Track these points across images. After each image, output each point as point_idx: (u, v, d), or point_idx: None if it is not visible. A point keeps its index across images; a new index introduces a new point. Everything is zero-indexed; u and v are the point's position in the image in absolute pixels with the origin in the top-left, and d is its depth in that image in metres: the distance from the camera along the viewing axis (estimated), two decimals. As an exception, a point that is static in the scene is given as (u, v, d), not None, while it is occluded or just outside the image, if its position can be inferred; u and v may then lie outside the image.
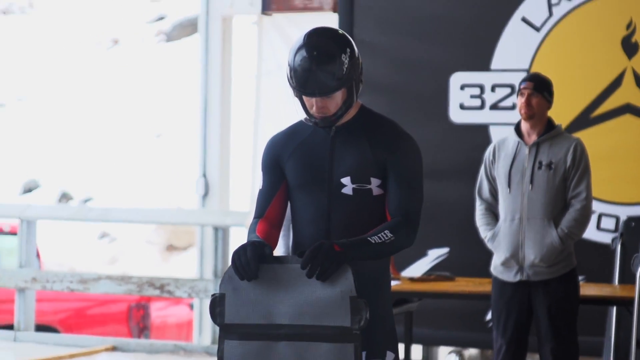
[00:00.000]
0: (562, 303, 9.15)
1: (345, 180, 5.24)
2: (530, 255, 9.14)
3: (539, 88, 9.28)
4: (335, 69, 5.16)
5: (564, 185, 9.16)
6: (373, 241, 5.11)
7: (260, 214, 5.49)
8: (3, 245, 16.64)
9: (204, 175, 14.33)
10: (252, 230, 5.41)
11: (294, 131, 5.39)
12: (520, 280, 9.21)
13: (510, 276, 9.25)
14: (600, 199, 11.45)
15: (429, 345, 12.67)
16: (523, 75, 11.65)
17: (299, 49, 5.23)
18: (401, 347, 11.00)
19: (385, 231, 5.16)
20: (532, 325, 9.28)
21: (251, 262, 5.10)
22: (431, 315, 11.41)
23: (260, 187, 5.50)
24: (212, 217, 14.06)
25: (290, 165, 5.33)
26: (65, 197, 31.88)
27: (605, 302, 10.22)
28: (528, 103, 9.18)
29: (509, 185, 9.28)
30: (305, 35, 5.27)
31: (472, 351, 12.76)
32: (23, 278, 14.42)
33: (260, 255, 5.13)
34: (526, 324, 9.26)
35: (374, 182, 5.25)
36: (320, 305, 5.04)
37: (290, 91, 10.44)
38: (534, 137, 9.26)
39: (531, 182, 9.22)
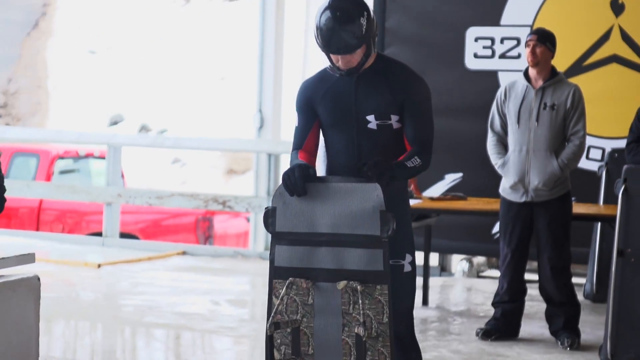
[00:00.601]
0: (559, 219, 9.32)
1: (370, 118, 5.44)
2: (535, 180, 9.28)
3: (542, 39, 9.37)
4: (355, 29, 5.33)
5: (564, 123, 9.27)
6: (408, 165, 5.40)
7: (298, 146, 5.73)
8: (94, 167, 16.78)
9: (260, 111, 14.39)
10: (294, 157, 5.66)
11: (322, 77, 5.55)
12: (525, 201, 9.35)
13: (517, 197, 9.38)
14: (589, 133, 11.50)
15: (444, 253, 12.82)
16: (527, 30, 11.75)
17: (323, 12, 5.41)
18: (421, 254, 11.15)
19: (415, 157, 5.40)
20: (532, 238, 9.44)
21: (299, 181, 5.33)
22: (446, 229, 11.54)
23: (297, 125, 5.74)
24: (266, 146, 14.18)
25: (322, 107, 5.54)
26: (144, 128, 31.94)
27: (591, 218, 10.39)
28: (533, 52, 9.28)
29: (518, 122, 9.39)
30: (329, 0, 5.42)
31: (479, 259, 12.88)
32: (110, 194, 14.60)
33: (306, 176, 5.34)
34: (528, 237, 9.40)
35: (394, 118, 5.46)
36: (355, 218, 5.27)
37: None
38: (540, 82, 9.37)
39: (537, 120, 9.34)
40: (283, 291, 5.34)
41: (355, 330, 5.19)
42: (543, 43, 9.36)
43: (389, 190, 5.32)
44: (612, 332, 8.26)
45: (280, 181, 13.01)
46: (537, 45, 9.33)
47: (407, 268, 5.58)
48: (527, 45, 9.41)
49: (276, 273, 5.44)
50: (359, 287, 5.21)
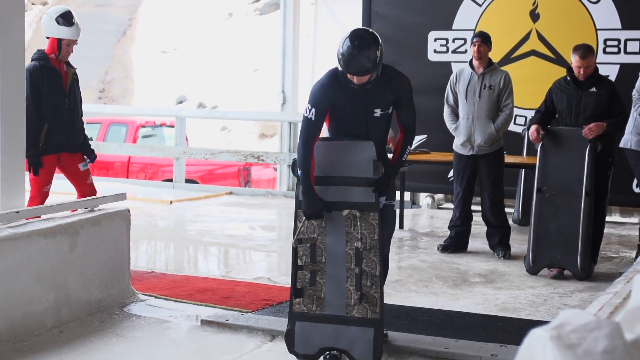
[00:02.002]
0: (495, 166, 9.35)
1: (377, 111, 5.54)
2: (478, 139, 9.26)
3: (484, 40, 9.40)
4: (370, 57, 5.29)
5: (498, 99, 9.27)
6: (404, 158, 5.75)
7: (311, 138, 5.53)
8: (166, 133, 16.76)
9: (283, 92, 14.31)
10: (307, 156, 5.48)
11: (338, 82, 5.44)
12: (471, 154, 9.34)
13: (465, 151, 9.37)
14: (516, 106, 11.45)
15: (414, 191, 12.78)
16: (471, 33, 11.64)
17: (345, 40, 5.36)
18: (398, 194, 11.16)
19: (407, 148, 5.77)
20: (476, 180, 9.43)
21: (319, 215, 5.48)
22: (415, 174, 11.47)
23: (312, 119, 5.52)
24: (287, 117, 14.10)
25: (338, 105, 5.50)
26: (201, 105, 31.90)
27: (518, 166, 10.36)
28: (478, 49, 9.32)
29: (466, 98, 9.40)
30: (351, 32, 5.42)
31: (439, 195, 12.85)
32: (178, 152, 14.55)
33: (321, 207, 5.47)
34: (473, 179, 9.39)
35: (390, 109, 5.60)
36: (356, 165, 5.45)
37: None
38: (481, 70, 9.37)
39: (479, 96, 9.35)
40: (304, 217, 5.46)
41: (355, 244, 5.33)
42: (484, 43, 9.43)
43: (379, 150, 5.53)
44: (533, 247, 8.33)
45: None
46: (481, 45, 9.39)
47: (390, 203, 5.76)
48: (473, 44, 9.49)
49: (299, 204, 5.51)
50: (357, 213, 5.37)
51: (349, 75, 5.37)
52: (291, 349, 5.46)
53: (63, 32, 8.00)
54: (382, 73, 5.51)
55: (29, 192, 8.06)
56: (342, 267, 5.41)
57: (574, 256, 8.10)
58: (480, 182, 9.46)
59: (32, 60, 7.93)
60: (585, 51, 8.25)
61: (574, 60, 8.30)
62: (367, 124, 5.60)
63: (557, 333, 2.06)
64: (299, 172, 5.51)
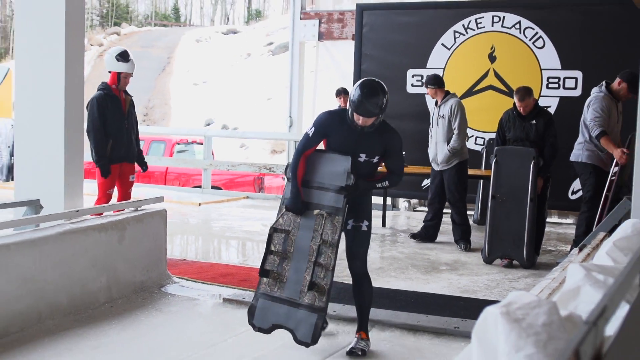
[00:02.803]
0: (454, 178, 9.37)
1: (362, 155, 5.25)
2: (439, 158, 9.35)
3: (427, 83, 9.66)
4: (378, 103, 5.09)
5: (450, 125, 9.30)
6: (377, 185, 5.34)
7: (305, 149, 5.37)
8: (196, 149, 16.74)
9: (290, 116, 14.34)
10: (296, 163, 5.37)
11: (342, 117, 5.26)
12: (438, 170, 9.39)
13: (435, 167, 9.44)
14: (476, 129, 11.48)
15: (394, 197, 12.77)
16: (442, 71, 11.72)
17: (357, 87, 5.17)
18: (381, 199, 11.21)
19: (385, 181, 5.35)
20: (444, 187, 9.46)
21: (298, 210, 5.36)
22: (395, 183, 11.54)
23: (311, 136, 5.36)
24: (293, 136, 14.09)
25: (334, 137, 5.30)
26: (224, 126, 31.88)
27: (477, 177, 10.34)
28: (430, 91, 9.60)
29: (432, 126, 9.50)
30: (363, 81, 5.22)
31: (414, 200, 12.86)
32: (205, 164, 14.53)
33: (299, 203, 5.34)
34: (441, 187, 9.41)
35: (376, 158, 5.29)
36: (332, 175, 5.27)
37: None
38: (438, 102, 9.52)
39: (438, 125, 9.41)
40: (284, 211, 5.41)
41: (318, 240, 5.22)
42: (430, 85, 9.61)
43: (360, 189, 5.30)
44: (488, 242, 8.43)
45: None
46: (427, 87, 9.67)
47: (364, 228, 5.41)
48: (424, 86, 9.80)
49: (284, 200, 5.45)
50: (325, 214, 5.24)
51: (355, 116, 5.16)
52: (250, 322, 5.30)
53: (121, 67, 8.29)
54: (379, 126, 5.27)
55: (97, 195, 8.28)
56: (305, 259, 5.25)
57: (520, 249, 8.20)
58: (446, 189, 9.48)
59: (98, 90, 8.25)
60: (523, 95, 8.30)
61: (515, 100, 8.37)
62: (352, 163, 5.32)
63: (506, 310, 2.07)
64: (290, 174, 5.42)
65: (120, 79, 8.27)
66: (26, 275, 5.63)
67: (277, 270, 5.33)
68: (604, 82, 8.27)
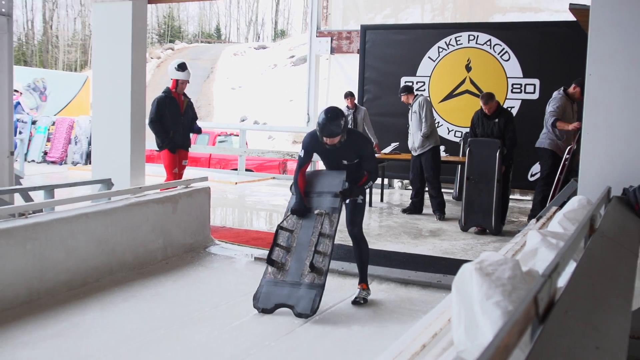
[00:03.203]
0: (429, 160, 9.35)
1: (344, 161, 5.24)
2: (415, 144, 9.35)
3: (402, 92, 9.57)
4: (337, 125, 4.97)
5: (420, 117, 9.28)
6: (365, 187, 5.26)
7: (300, 168, 5.32)
8: (234, 140, 16.72)
9: (308, 114, 14.31)
10: (297, 179, 5.33)
11: (317, 139, 5.12)
12: (416, 154, 9.38)
13: (414, 152, 9.44)
14: (455, 124, 11.46)
15: (390, 178, 12.76)
16: (428, 79, 11.68)
17: (321, 115, 5.04)
18: (379, 181, 11.21)
19: (369, 182, 5.24)
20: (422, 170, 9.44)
21: (302, 213, 5.28)
22: (391, 167, 11.47)
23: (302, 156, 5.29)
24: (310, 129, 14.10)
25: (319, 152, 5.25)
26: (256, 122, 31.85)
27: (456, 162, 10.30)
28: (403, 99, 9.55)
29: (410, 121, 9.44)
30: (325, 109, 5.06)
31: (406, 181, 12.81)
32: (241, 151, 14.55)
33: (303, 209, 5.28)
34: (420, 169, 9.41)
35: (355, 159, 5.23)
36: (330, 184, 5.25)
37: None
38: (409, 103, 9.49)
39: (411, 119, 9.39)
40: (289, 215, 5.32)
41: (317, 234, 5.13)
42: (402, 93, 9.58)
43: (352, 192, 5.25)
44: (463, 214, 8.43)
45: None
46: (401, 95, 9.59)
47: (360, 201, 5.33)
48: (400, 97, 9.64)
49: (289, 209, 5.37)
50: (324, 213, 5.18)
51: (323, 137, 5.05)
52: (255, 305, 4.99)
53: (179, 75, 8.37)
54: (348, 137, 5.13)
55: (165, 175, 8.47)
56: (305, 249, 5.12)
57: (490, 220, 8.22)
58: (424, 172, 9.45)
59: (161, 93, 8.36)
60: (487, 99, 8.29)
61: (481, 104, 8.34)
62: (340, 167, 5.32)
63: (479, 266, 2.07)
64: (293, 187, 5.36)
65: (178, 84, 8.37)
66: (100, 238, 5.67)
67: (281, 260, 5.18)
68: (562, 87, 8.30)
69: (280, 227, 5.29)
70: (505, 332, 1.24)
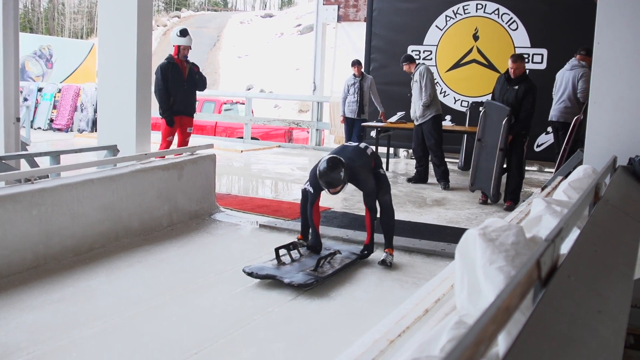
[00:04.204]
0: (430, 128, 9.29)
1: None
2: (417, 113, 9.30)
3: (404, 60, 9.52)
4: (338, 176, 4.95)
5: (421, 86, 9.21)
6: (373, 227, 5.41)
7: (313, 203, 5.36)
8: (240, 108, 16.68)
9: (314, 82, 14.26)
10: (311, 217, 5.38)
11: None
12: (418, 124, 9.34)
13: (416, 122, 9.39)
14: (461, 93, 11.41)
15: (396, 147, 12.74)
16: (435, 47, 11.60)
17: (322, 163, 5.01)
18: (386, 151, 11.20)
19: (373, 220, 5.32)
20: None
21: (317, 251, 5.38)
22: (397, 136, 11.44)
23: (312, 192, 5.31)
24: (316, 98, 14.05)
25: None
26: (262, 90, 31.77)
27: (462, 132, 10.24)
28: (405, 68, 9.52)
29: (412, 90, 9.41)
30: (326, 159, 5.03)
31: (411, 150, 12.78)
32: (246, 119, 14.53)
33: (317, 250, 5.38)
34: (423, 138, 9.37)
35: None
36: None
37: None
38: (411, 72, 9.44)
39: (413, 88, 9.39)
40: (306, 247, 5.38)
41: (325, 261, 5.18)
42: (404, 62, 9.53)
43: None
44: (472, 174, 8.36)
45: (324, 116, 12.78)
46: (404, 64, 9.55)
47: (382, 172, 5.47)
48: (402, 66, 9.61)
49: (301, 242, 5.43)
50: (337, 252, 5.27)
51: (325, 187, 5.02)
52: (245, 269, 4.88)
53: (180, 41, 8.44)
54: (350, 178, 5.11)
55: (160, 141, 8.51)
56: (308, 266, 5.07)
57: (489, 186, 8.00)
58: (426, 140, 9.43)
59: (164, 60, 8.45)
60: (516, 58, 7.92)
61: (509, 62, 7.93)
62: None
63: (483, 232, 2.07)
64: (309, 223, 5.41)
65: (180, 50, 8.44)
66: (106, 203, 5.69)
67: (285, 262, 5.12)
68: (576, 56, 8.32)
69: (279, 249, 5.21)
70: (507, 294, 1.24)
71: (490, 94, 8.45)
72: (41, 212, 5.07)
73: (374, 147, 9.84)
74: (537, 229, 2.59)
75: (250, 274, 4.81)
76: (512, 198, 7.99)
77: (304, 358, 3.64)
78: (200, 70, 8.85)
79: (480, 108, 8.34)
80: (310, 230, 5.49)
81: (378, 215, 5.52)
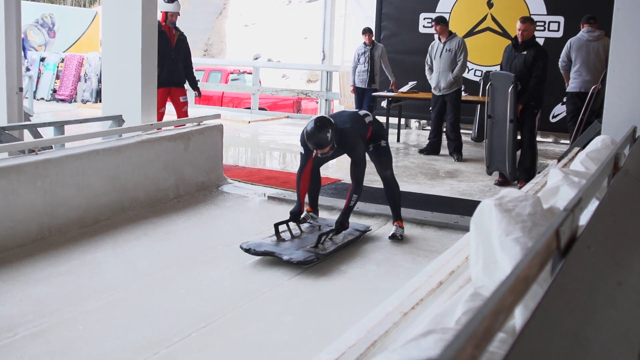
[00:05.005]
0: (453, 101, 9.32)
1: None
2: (442, 84, 9.24)
3: (438, 22, 9.36)
4: (325, 137, 4.83)
5: (455, 57, 9.16)
6: (352, 204, 5.05)
7: (304, 166, 5.28)
8: (247, 78, 16.63)
9: (323, 51, 14.18)
10: (298, 181, 5.31)
11: None
12: (440, 94, 9.30)
13: (436, 92, 9.35)
14: (476, 63, 11.33)
15: (407, 118, 12.66)
16: (448, 15, 11.49)
17: (310, 123, 4.91)
18: (396, 120, 11.16)
19: (354, 197, 5.03)
20: (444, 110, 9.41)
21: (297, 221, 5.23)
22: (409, 107, 11.37)
23: (302, 153, 5.23)
24: (325, 67, 13.99)
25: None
26: (269, 60, 31.62)
27: (475, 102, 10.20)
28: (436, 29, 9.41)
29: (434, 58, 9.34)
30: (314, 119, 4.93)
31: (423, 121, 12.70)
32: (254, 89, 14.50)
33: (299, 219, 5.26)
34: (442, 110, 9.37)
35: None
36: None
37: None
38: (443, 39, 9.31)
39: (441, 57, 9.26)
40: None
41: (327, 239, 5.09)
42: (439, 23, 9.38)
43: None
44: (487, 156, 7.89)
45: (333, 86, 12.75)
46: (437, 25, 9.39)
47: (383, 144, 5.29)
48: (433, 26, 9.57)
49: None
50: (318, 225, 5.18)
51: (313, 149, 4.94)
52: (242, 245, 4.79)
53: (168, 7, 8.32)
54: (339, 141, 4.95)
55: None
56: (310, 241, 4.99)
57: (505, 164, 7.48)
58: (447, 112, 9.40)
59: None
60: (525, 18, 7.59)
61: (517, 24, 7.56)
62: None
63: (499, 202, 2.06)
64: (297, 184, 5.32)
65: (168, 17, 8.28)
66: (112, 174, 5.70)
67: (285, 238, 5.03)
68: (594, 27, 8.29)
69: (279, 223, 5.14)
70: (525, 263, 1.23)
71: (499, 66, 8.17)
72: (45, 184, 5.08)
73: (384, 118, 9.97)
74: (554, 200, 2.57)
75: (247, 251, 4.73)
76: (526, 178, 7.34)
77: (314, 331, 3.65)
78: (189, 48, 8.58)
79: (480, 80, 8.24)
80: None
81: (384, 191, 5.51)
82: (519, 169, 7.63)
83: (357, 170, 5.09)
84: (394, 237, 5.36)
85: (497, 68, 9.02)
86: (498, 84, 7.57)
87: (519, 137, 7.60)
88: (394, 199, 5.48)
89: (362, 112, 5.44)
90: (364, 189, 5.19)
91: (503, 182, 7.68)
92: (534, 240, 1.84)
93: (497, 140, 7.64)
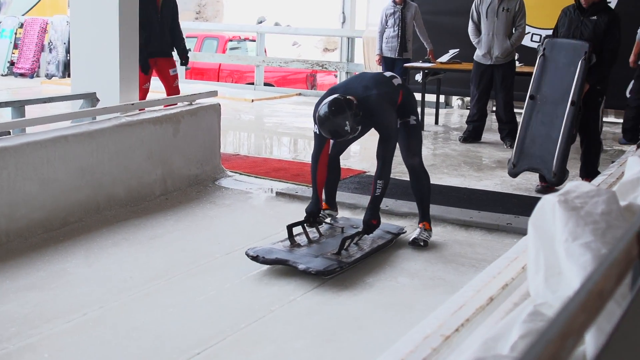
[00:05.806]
0: (508, 74, 9.38)
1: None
2: (496, 52, 9.21)
3: None
4: (342, 123, 4.67)
5: (513, 19, 9.17)
6: (377, 194, 4.92)
7: (319, 150, 5.16)
8: (249, 46, 16.66)
9: (343, 12, 14.19)
10: (314, 169, 5.19)
11: None
12: (489, 64, 9.27)
13: (485, 61, 9.34)
14: (534, 26, 11.30)
15: (447, 95, 12.65)
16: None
17: (323, 107, 4.75)
18: (434, 97, 11.14)
19: (380, 183, 4.89)
20: (492, 85, 9.40)
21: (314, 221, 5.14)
22: (449, 80, 11.34)
23: (316, 132, 5.06)
24: (346, 33, 14.00)
25: None
26: (277, 24, 31.64)
27: (532, 75, 10.15)
28: None
29: (487, 17, 9.30)
30: (328, 101, 4.73)
31: (467, 98, 12.65)
32: (258, 60, 14.51)
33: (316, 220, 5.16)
34: (489, 84, 9.41)
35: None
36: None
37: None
38: None
39: (497, 17, 9.22)
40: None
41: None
42: None
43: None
44: (517, 150, 7.03)
45: (355, 55, 12.80)
46: None
47: (412, 122, 5.15)
48: None
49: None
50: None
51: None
52: (249, 252, 4.74)
53: None
54: (364, 113, 4.77)
55: None
56: (331, 246, 4.95)
57: (550, 161, 6.73)
58: (495, 87, 9.40)
59: None
60: None
61: None
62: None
63: (564, 198, 2.05)
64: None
65: None
66: (84, 166, 5.72)
67: (301, 243, 5.00)
68: None
69: (292, 225, 5.09)
70: (598, 275, 1.22)
71: (552, 31, 7.67)
72: (2, 178, 5.10)
73: (419, 95, 9.95)
74: (634, 195, 2.55)
75: (254, 258, 4.71)
76: (590, 174, 6.97)
77: (333, 359, 3.65)
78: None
79: (538, 48, 7.37)
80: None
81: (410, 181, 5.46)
82: (582, 165, 7.30)
83: (385, 148, 4.95)
84: (415, 243, 5.25)
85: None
86: (557, 54, 7.05)
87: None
88: (423, 193, 5.41)
89: (388, 73, 5.39)
90: (395, 182, 5.18)
91: (547, 186, 7.04)
92: (609, 246, 1.83)
93: (539, 129, 6.97)
